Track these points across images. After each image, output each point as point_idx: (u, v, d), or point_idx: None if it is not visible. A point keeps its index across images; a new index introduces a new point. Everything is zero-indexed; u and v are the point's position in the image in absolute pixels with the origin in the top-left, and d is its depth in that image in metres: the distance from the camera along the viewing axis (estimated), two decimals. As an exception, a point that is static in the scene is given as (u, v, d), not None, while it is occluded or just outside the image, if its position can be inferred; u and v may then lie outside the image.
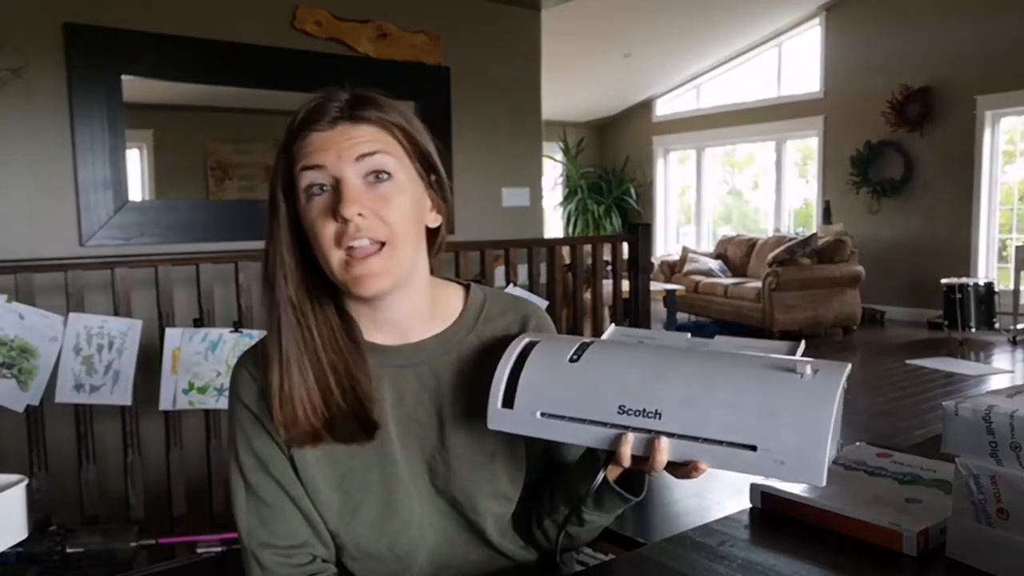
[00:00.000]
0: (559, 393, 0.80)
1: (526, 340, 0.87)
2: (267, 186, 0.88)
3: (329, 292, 0.89)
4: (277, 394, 0.86)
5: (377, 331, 0.92)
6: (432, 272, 0.95)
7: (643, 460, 0.77)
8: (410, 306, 0.92)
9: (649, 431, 0.76)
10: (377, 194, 0.83)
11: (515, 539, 0.99)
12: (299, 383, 0.86)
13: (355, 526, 0.91)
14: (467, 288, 0.99)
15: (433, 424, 0.92)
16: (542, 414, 0.80)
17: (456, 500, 0.93)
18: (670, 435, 0.75)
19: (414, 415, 0.92)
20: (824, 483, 0.71)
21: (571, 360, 0.82)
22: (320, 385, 0.86)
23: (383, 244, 0.84)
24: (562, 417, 0.80)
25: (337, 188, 0.82)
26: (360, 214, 0.82)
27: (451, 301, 0.97)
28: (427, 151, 0.90)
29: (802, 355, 0.81)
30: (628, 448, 0.77)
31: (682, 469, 0.77)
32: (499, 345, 0.89)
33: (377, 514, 0.91)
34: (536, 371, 0.82)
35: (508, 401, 0.82)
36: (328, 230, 0.82)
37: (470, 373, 0.92)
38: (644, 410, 0.76)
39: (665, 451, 0.75)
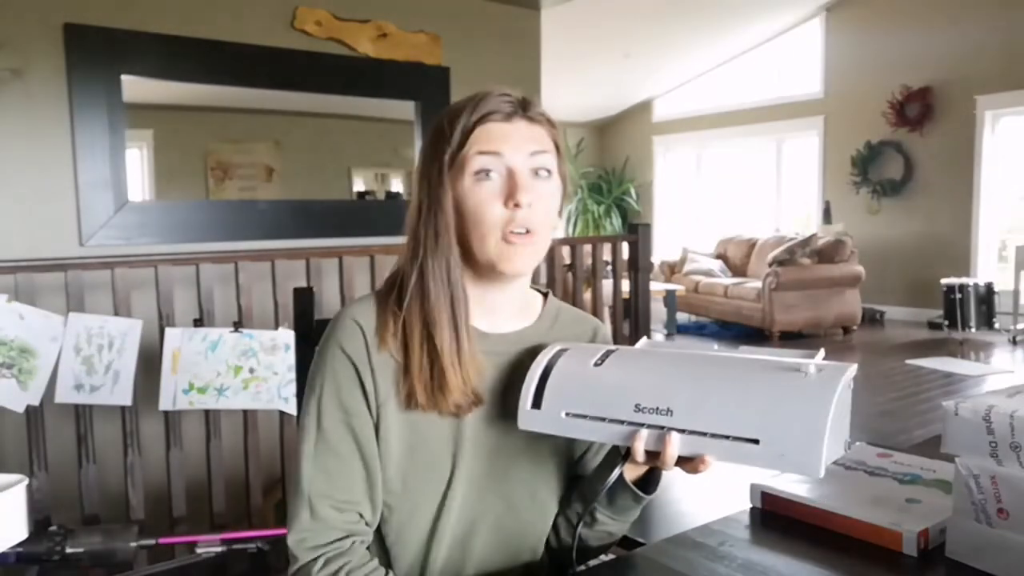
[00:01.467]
0: (583, 394, 0.86)
1: (556, 348, 0.92)
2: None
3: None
4: (421, 361, 0.90)
5: (478, 314, 0.95)
6: None
7: (656, 456, 0.82)
8: (515, 296, 0.98)
9: (661, 427, 0.81)
10: (540, 188, 0.91)
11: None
12: (451, 349, 0.90)
13: (411, 495, 0.93)
14: (545, 296, 1.05)
15: (501, 415, 0.95)
16: (567, 414, 0.86)
17: (507, 494, 0.96)
18: (680, 431, 0.80)
19: (489, 401, 0.95)
20: (822, 475, 0.74)
21: (595, 365, 0.88)
22: (463, 356, 0.91)
23: (532, 232, 0.90)
24: (584, 416, 0.85)
25: (511, 177, 0.89)
26: (529, 203, 0.88)
27: (533, 303, 1.02)
28: (565, 161, 0.98)
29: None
30: (641, 443, 0.82)
31: (690, 464, 0.81)
32: None
33: (432, 488, 0.93)
34: (563, 375, 0.88)
35: (537, 403, 0.88)
36: (494, 213, 0.88)
37: None
38: (657, 408, 0.81)
39: (675, 446, 0.80)
